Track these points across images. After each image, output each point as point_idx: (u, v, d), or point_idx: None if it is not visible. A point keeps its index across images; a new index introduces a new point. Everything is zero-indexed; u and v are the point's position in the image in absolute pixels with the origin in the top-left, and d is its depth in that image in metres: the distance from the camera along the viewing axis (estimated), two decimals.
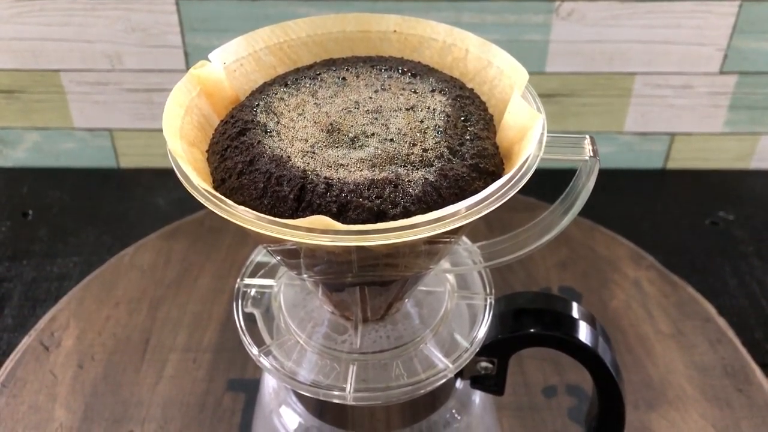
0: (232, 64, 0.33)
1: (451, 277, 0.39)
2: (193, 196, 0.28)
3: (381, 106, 0.31)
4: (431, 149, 0.28)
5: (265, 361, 0.35)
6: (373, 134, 0.29)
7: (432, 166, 0.28)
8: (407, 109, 0.30)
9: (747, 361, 0.54)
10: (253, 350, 0.35)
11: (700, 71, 0.70)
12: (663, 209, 0.71)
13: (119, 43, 0.68)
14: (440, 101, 0.31)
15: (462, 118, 0.30)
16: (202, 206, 0.27)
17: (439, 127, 0.29)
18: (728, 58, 0.69)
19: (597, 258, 0.63)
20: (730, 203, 0.72)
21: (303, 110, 0.31)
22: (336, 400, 0.34)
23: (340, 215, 0.27)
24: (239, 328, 0.36)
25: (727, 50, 0.68)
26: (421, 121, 0.30)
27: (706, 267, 0.64)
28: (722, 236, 0.68)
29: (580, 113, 0.72)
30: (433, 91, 0.31)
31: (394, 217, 0.26)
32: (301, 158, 0.28)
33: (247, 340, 0.36)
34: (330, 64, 0.34)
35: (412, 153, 0.28)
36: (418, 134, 0.29)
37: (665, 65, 0.69)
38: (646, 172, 0.76)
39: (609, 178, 0.73)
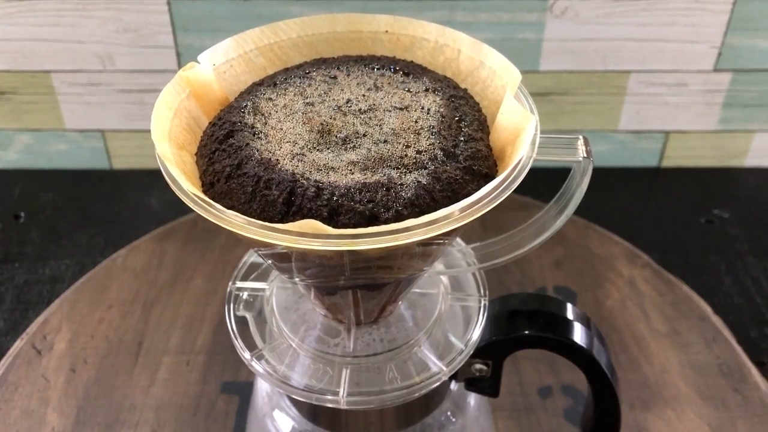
0: (221, 66, 0.33)
1: (444, 278, 0.38)
2: None
3: (374, 105, 0.30)
4: (425, 151, 0.28)
5: (257, 366, 0.34)
6: (365, 134, 0.29)
7: (425, 168, 0.27)
8: (401, 109, 0.30)
9: (743, 359, 0.54)
10: (246, 354, 0.35)
11: (695, 69, 0.70)
12: (658, 207, 0.71)
13: (110, 43, 0.67)
14: (434, 101, 0.30)
15: (456, 119, 0.30)
16: None
17: (433, 127, 0.29)
18: (722, 55, 0.69)
19: (592, 257, 0.62)
20: (725, 201, 0.71)
21: (292, 110, 0.30)
22: (329, 405, 0.34)
23: (331, 219, 0.26)
24: (231, 332, 0.36)
25: (722, 47, 0.68)
26: (416, 121, 0.29)
27: (701, 265, 0.64)
28: (717, 234, 0.68)
29: (574, 111, 0.72)
30: (426, 90, 0.31)
31: (387, 221, 0.26)
32: (290, 161, 0.28)
33: (239, 344, 0.35)
34: (320, 63, 0.33)
35: (406, 155, 0.28)
36: (412, 135, 0.29)
37: (659, 63, 0.69)
38: (640, 171, 0.76)
39: (603, 177, 0.73)
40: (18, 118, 0.72)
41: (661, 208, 0.71)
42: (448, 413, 0.40)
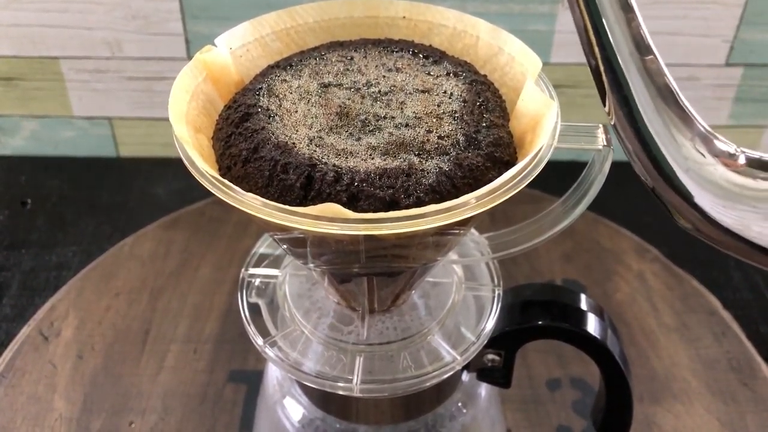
0: (238, 50, 0.33)
1: (458, 268, 0.38)
2: (194, 186, 0.27)
3: (394, 87, 0.30)
4: (447, 136, 0.28)
5: (270, 352, 0.34)
6: (385, 117, 0.28)
7: (447, 154, 0.27)
8: (423, 92, 0.29)
9: (752, 354, 0.54)
10: (258, 341, 0.35)
11: (706, 63, 0.69)
12: None
13: (119, 30, 0.67)
14: (456, 85, 0.30)
15: (478, 104, 0.29)
16: (203, 196, 0.27)
17: (455, 112, 0.29)
18: (734, 49, 0.68)
19: (601, 250, 0.62)
20: None
21: (308, 92, 0.30)
22: (342, 392, 0.33)
23: (350, 205, 0.26)
24: (244, 319, 0.36)
25: (734, 42, 0.68)
26: (438, 105, 0.29)
27: (710, 260, 0.64)
28: None
29: (584, 105, 0.71)
30: (448, 74, 0.31)
31: (407, 207, 0.26)
32: (307, 145, 0.27)
33: (251, 330, 0.35)
34: (336, 46, 0.33)
35: (428, 140, 0.27)
36: (434, 120, 0.28)
37: (671, 56, 0.69)
38: None
39: (613, 171, 0.73)
40: (25, 105, 0.72)
41: None
42: (459, 404, 0.39)
